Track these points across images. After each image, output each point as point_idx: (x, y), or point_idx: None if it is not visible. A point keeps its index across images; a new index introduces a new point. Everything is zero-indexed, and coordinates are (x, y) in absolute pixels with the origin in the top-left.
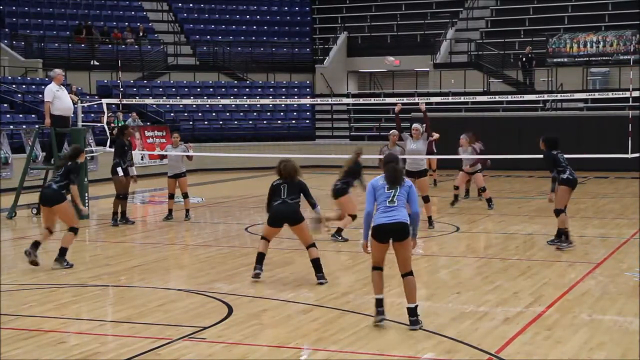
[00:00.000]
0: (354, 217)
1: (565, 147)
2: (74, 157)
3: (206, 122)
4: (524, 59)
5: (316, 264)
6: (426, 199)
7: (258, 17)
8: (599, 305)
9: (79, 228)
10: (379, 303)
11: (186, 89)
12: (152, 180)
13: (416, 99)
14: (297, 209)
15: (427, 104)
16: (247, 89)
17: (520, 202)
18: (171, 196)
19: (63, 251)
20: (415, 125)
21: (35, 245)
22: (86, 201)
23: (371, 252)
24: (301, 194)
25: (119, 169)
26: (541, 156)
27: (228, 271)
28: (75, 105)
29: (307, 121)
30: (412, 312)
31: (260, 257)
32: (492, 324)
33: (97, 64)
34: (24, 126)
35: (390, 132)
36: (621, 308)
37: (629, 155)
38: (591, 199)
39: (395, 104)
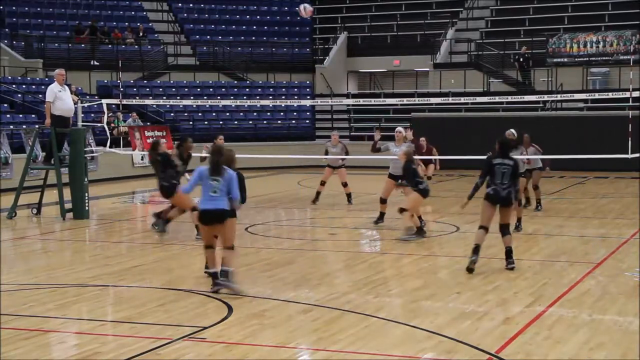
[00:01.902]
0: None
1: (565, 147)
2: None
3: (206, 122)
4: (520, 59)
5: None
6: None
7: (258, 17)
8: (599, 305)
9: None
10: (216, 275)
11: (186, 89)
12: (152, 180)
13: (416, 99)
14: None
15: (427, 104)
16: (247, 89)
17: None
18: None
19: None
20: (398, 128)
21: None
22: (86, 201)
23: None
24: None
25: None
26: (542, 156)
27: None
28: (75, 105)
29: (307, 121)
30: (223, 273)
31: None
32: (492, 324)
33: (97, 64)
34: (24, 126)
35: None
36: (621, 308)
37: (629, 155)
38: (591, 199)
39: (395, 104)
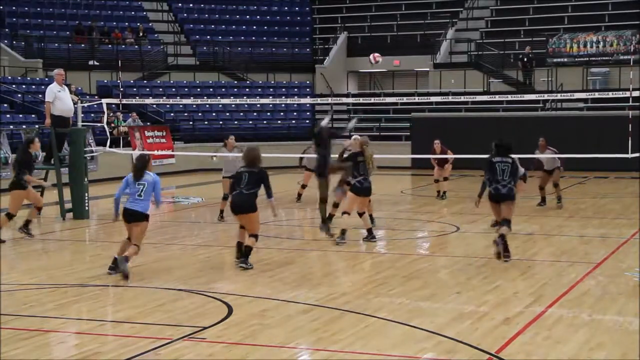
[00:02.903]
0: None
1: (566, 147)
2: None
3: (206, 122)
4: (524, 59)
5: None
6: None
7: (258, 17)
8: (599, 305)
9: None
10: (115, 261)
11: (186, 89)
12: None
13: (416, 99)
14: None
15: (427, 103)
16: (247, 89)
17: (520, 202)
18: (225, 197)
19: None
20: (355, 136)
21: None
22: (86, 201)
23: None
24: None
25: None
26: (541, 156)
27: (228, 271)
28: (75, 105)
29: (307, 121)
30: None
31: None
32: (492, 324)
33: (97, 64)
34: (24, 126)
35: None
36: (621, 308)
37: (629, 155)
38: (591, 199)
39: (395, 104)
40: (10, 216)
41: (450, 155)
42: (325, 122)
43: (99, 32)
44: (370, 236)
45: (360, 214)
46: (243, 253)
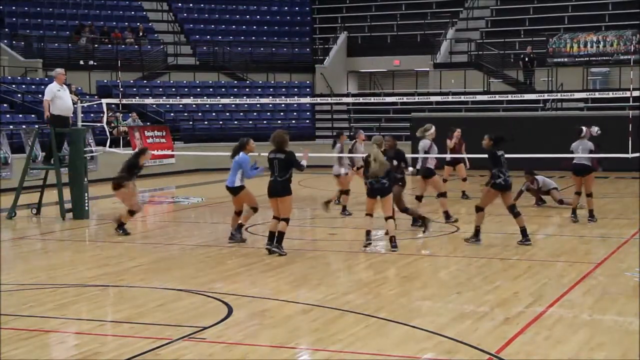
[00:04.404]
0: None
1: (566, 147)
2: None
3: (206, 122)
4: (525, 59)
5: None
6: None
7: (258, 17)
8: (599, 305)
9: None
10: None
11: (186, 89)
12: (152, 180)
13: (416, 99)
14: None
15: (427, 103)
16: (247, 89)
17: (520, 202)
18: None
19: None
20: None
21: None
22: (86, 201)
23: None
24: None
25: None
26: (541, 156)
27: (228, 271)
28: (75, 105)
29: (307, 121)
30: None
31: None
32: (492, 324)
33: (95, 63)
34: (24, 126)
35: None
36: (621, 308)
37: (629, 155)
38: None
39: (395, 104)
40: (132, 213)
41: (464, 155)
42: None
43: (87, 29)
44: (392, 244)
45: (387, 218)
46: (276, 239)
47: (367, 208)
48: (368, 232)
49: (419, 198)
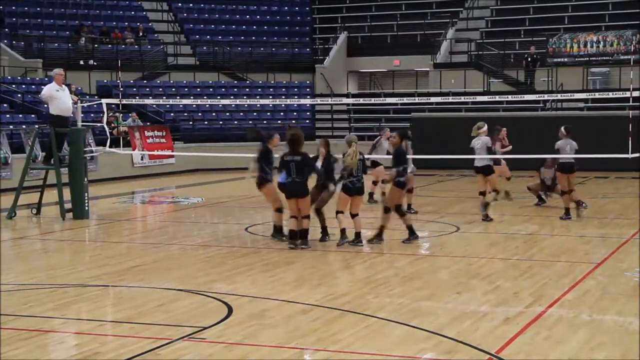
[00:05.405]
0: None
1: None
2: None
3: (206, 122)
4: (528, 59)
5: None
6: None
7: (258, 17)
8: (599, 305)
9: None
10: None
11: (186, 89)
12: (152, 180)
13: (416, 99)
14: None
15: (427, 104)
16: (247, 89)
17: (520, 202)
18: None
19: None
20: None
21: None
22: (86, 201)
23: None
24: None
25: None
26: (541, 156)
27: (228, 271)
28: (75, 105)
29: (307, 121)
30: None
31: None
32: (492, 324)
33: (95, 63)
34: (24, 126)
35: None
36: (621, 308)
37: (629, 155)
38: (591, 199)
39: (395, 104)
40: (280, 210)
41: (507, 149)
42: None
43: (97, 32)
44: (357, 240)
45: (353, 216)
46: (301, 236)
47: (341, 206)
48: (343, 231)
49: (482, 193)
